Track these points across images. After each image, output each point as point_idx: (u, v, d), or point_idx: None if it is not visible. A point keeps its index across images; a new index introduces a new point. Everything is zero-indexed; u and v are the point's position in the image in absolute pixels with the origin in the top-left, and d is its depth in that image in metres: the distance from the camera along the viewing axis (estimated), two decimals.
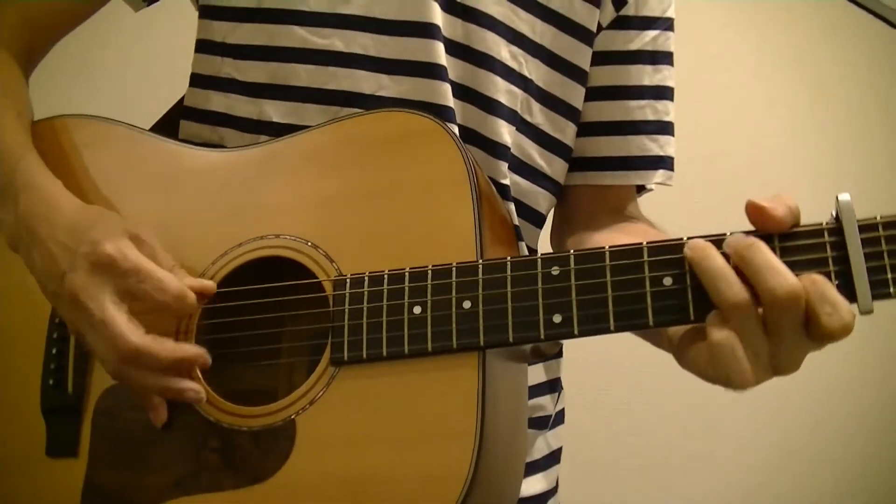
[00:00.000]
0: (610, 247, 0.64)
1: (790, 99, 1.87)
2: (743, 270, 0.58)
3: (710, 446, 1.80)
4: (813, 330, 0.57)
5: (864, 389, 1.80)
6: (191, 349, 0.69)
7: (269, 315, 0.73)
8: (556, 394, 0.92)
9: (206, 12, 0.85)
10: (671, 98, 0.89)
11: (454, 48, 0.80)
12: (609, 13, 0.85)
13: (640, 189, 0.91)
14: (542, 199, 0.87)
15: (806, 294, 0.57)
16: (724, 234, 0.61)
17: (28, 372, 0.76)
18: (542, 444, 0.90)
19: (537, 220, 0.89)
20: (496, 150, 0.82)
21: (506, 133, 0.83)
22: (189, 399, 0.69)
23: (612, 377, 1.77)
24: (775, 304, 0.57)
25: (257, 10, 0.81)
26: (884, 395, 1.80)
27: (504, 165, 0.83)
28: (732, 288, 0.58)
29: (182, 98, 0.91)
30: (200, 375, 0.71)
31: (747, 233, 0.61)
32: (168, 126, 0.90)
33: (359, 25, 0.79)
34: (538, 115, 0.85)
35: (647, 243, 0.63)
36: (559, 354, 0.93)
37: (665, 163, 0.88)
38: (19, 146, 0.79)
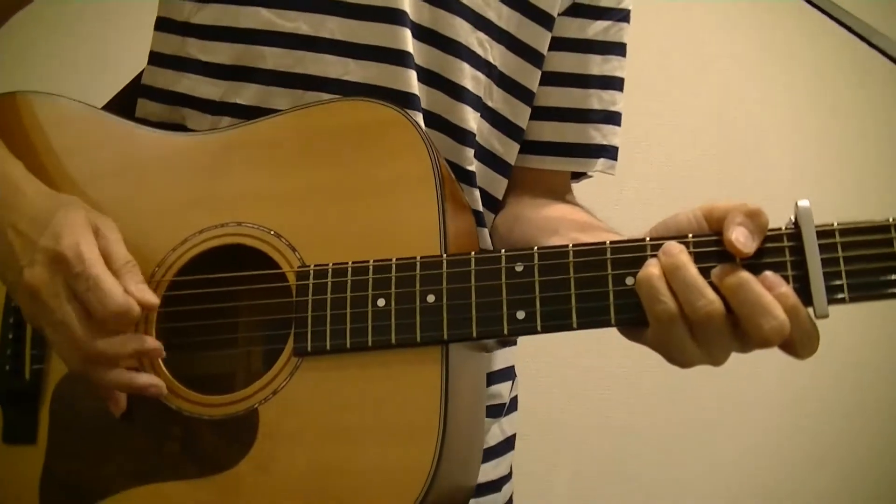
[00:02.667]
0: (573, 245, 0.65)
1: (789, 99, 1.88)
2: (671, 284, 0.60)
3: (710, 446, 1.81)
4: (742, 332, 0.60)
5: (865, 390, 1.83)
6: (149, 342, 0.69)
7: (229, 304, 0.72)
8: (510, 382, 0.93)
9: None
10: (620, 88, 0.89)
11: (422, 33, 0.80)
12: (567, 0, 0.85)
13: (580, 175, 0.92)
14: (498, 184, 0.88)
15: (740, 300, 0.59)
16: (687, 236, 0.62)
17: None
18: (496, 431, 0.91)
19: (493, 205, 0.89)
20: (463, 137, 0.82)
21: (471, 119, 0.82)
22: (151, 394, 0.69)
23: (612, 377, 1.78)
24: (696, 319, 0.60)
25: None
26: (884, 395, 1.83)
27: (470, 152, 0.83)
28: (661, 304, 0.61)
29: (138, 76, 0.89)
30: (163, 366, 0.71)
31: (709, 236, 0.62)
32: (122, 104, 0.88)
33: (326, 9, 0.78)
34: (499, 101, 0.85)
35: (611, 243, 0.64)
36: (514, 342, 0.94)
37: (607, 152, 0.89)
38: None
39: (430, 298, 0.66)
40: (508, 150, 0.87)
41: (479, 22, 0.81)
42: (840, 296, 0.59)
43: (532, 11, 0.84)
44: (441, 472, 0.64)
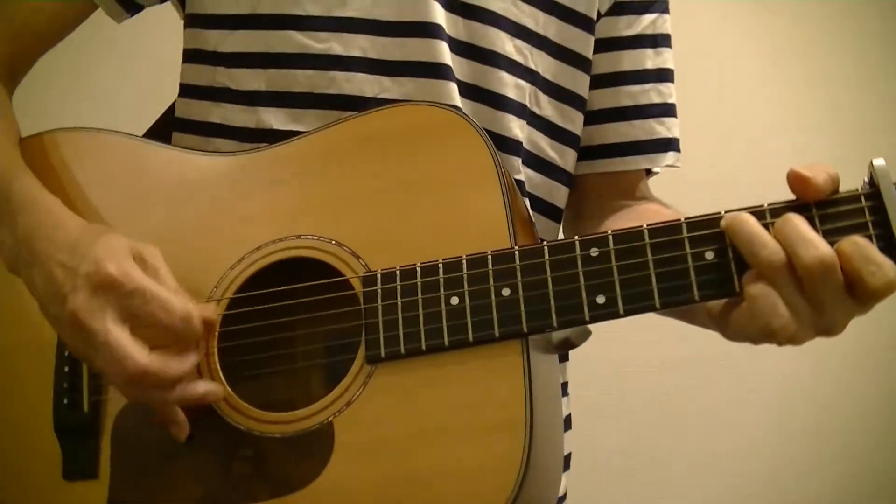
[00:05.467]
0: (648, 225, 0.64)
1: (789, 99, 1.89)
2: (780, 244, 0.59)
3: (710, 446, 1.80)
4: (858, 291, 0.58)
5: (866, 389, 1.82)
6: (198, 359, 0.67)
7: (292, 318, 0.70)
8: (565, 398, 0.91)
9: (194, 21, 0.83)
10: (672, 80, 0.90)
11: (458, 47, 0.80)
12: (607, 0, 0.86)
13: (648, 172, 0.92)
14: (556, 192, 0.87)
15: (849, 256, 0.58)
16: (763, 205, 0.62)
17: (37, 393, 0.72)
18: None
19: (553, 213, 0.88)
20: (508, 145, 0.82)
21: (516, 128, 0.82)
22: (209, 400, 0.67)
23: (612, 377, 1.77)
24: (810, 273, 0.58)
25: (251, 16, 0.79)
26: (885, 394, 1.82)
27: (517, 161, 0.83)
28: (767, 248, 0.59)
29: (170, 108, 0.89)
30: (227, 387, 0.69)
31: (788, 202, 0.62)
32: (158, 137, 0.87)
33: (357, 28, 0.78)
34: (547, 107, 0.85)
35: (686, 219, 0.63)
36: (567, 357, 0.92)
37: (673, 145, 0.89)
38: (12, 165, 0.76)
39: (506, 292, 0.65)
40: (563, 157, 0.87)
41: (516, 30, 0.82)
42: None
43: (570, 15, 0.84)
44: (532, 465, 0.61)
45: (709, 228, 0.63)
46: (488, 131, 0.81)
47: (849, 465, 1.81)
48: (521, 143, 0.83)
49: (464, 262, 0.66)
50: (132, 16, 0.88)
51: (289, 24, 0.78)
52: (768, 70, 1.88)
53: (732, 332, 0.64)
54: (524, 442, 0.62)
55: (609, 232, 0.65)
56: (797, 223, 0.59)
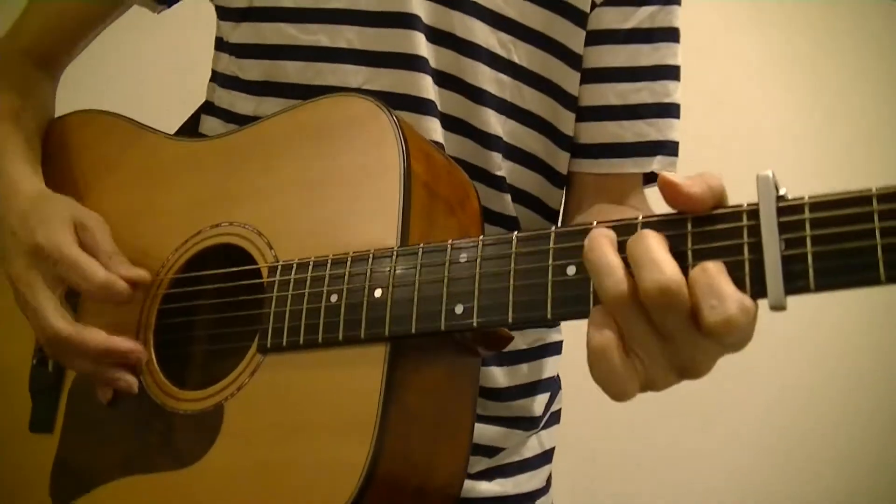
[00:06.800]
0: (517, 233, 0.59)
1: (792, 100, 1.82)
2: (631, 265, 0.51)
3: (709, 446, 1.79)
4: (700, 325, 0.48)
5: (863, 388, 1.76)
6: (123, 343, 0.71)
7: (214, 301, 0.73)
8: (546, 395, 0.86)
9: (217, 12, 0.88)
10: (675, 77, 0.81)
11: (437, 36, 0.77)
12: None
13: (650, 178, 0.83)
14: (538, 186, 0.82)
15: (692, 284, 0.49)
16: (636, 218, 0.54)
17: (22, 351, 0.81)
18: (534, 444, 0.86)
19: (541, 209, 0.84)
20: (488, 140, 0.79)
21: (496, 123, 0.79)
22: (120, 388, 0.71)
23: None
24: (649, 300, 0.49)
25: (250, 9, 0.82)
26: (883, 393, 1.76)
27: (497, 156, 0.79)
28: (611, 276, 0.50)
29: None
30: (154, 362, 0.73)
31: (664, 215, 0.54)
32: (195, 118, 0.94)
33: (343, 19, 0.78)
34: (532, 101, 0.80)
35: (556, 229, 0.57)
36: (557, 352, 0.87)
37: (665, 148, 0.80)
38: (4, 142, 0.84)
39: (378, 293, 0.63)
40: (550, 152, 0.82)
41: (499, 22, 0.78)
42: (803, 283, 0.48)
43: (558, 6, 0.79)
44: (380, 470, 0.59)
45: (577, 240, 0.56)
46: (466, 123, 0.78)
47: (848, 467, 1.76)
48: (500, 138, 0.79)
49: (349, 259, 0.65)
50: (169, 7, 0.94)
51: (279, 16, 0.80)
52: (768, 71, 1.80)
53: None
54: (370, 447, 0.60)
55: (481, 238, 0.60)
56: (649, 242, 0.50)
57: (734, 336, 0.48)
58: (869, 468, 1.77)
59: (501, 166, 0.80)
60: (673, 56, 0.81)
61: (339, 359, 0.64)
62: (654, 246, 0.50)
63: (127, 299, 0.72)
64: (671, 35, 0.81)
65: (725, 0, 1.83)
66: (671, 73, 0.81)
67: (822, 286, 0.48)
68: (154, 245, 0.77)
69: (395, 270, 0.62)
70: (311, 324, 0.65)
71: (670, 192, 0.52)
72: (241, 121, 0.83)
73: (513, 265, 0.58)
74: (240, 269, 0.71)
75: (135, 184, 0.82)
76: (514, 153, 0.81)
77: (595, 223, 0.55)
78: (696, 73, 1.68)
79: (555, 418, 0.88)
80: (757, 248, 0.50)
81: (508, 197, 0.81)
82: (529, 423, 0.85)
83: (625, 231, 0.53)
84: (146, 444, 0.72)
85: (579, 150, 0.83)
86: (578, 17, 0.79)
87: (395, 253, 0.63)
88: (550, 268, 0.56)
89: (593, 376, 0.52)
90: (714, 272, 0.48)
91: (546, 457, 0.87)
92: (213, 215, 0.75)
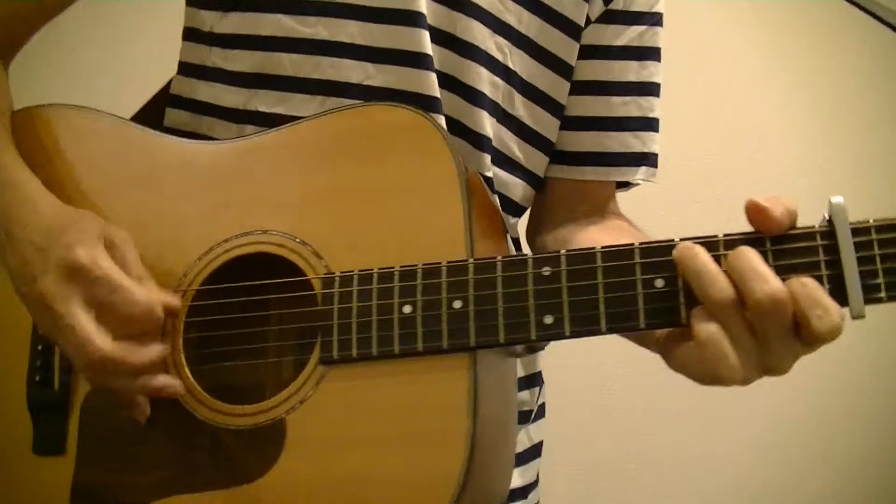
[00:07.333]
0: (602, 247, 0.64)
1: (790, 101, 1.87)
2: (730, 276, 0.58)
3: (709, 446, 1.81)
4: (803, 332, 0.57)
5: (863, 389, 1.81)
6: (162, 351, 0.69)
7: (256, 313, 0.72)
8: (537, 388, 0.92)
9: (193, 1, 0.84)
10: (657, 94, 0.88)
11: (439, 37, 0.79)
12: (598, 7, 0.84)
13: (623, 185, 0.91)
14: (519, 191, 0.87)
15: (796, 297, 0.57)
16: (716, 236, 0.61)
17: (13, 369, 0.75)
18: (523, 438, 0.90)
19: (516, 210, 0.88)
20: (480, 142, 0.82)
21: (488, 125, 0.82)
22: (168, 394, 0.69)
23: (611, 377, 1.78)
24: (759, 309, 0.57)
25: None
26: (882, 394, 1.81)
27: (487, 158, 0.83)
28: (715, 285, 0.58)
29: (167, 84, 0.89)
30: (189, 375, 0.71)
31: (743, 234, 0.61)
32: (152, 112, 0.88)
33: (344, 13, 0.78)
34: (520, 108, 0.84)
35: (639, 244, 0.63)
36: (542, 348, 0.93)
37: (648, 159, 0.88)
38: None
39: (457, 304, 0.65)
40: (531, 160, 0.87)
41: (498, 26, 0.81)
42: (878, 295, 0.58)
43: (554, 18, 0.83)
44: (471, 479, 0.63)
45: (661, 256, 0.62)
46: (462, 125, 0.81)
47: (848, 467, 1.81)
48: (490, 139, 0.82)
49: (419, 271, 0.67)
50: None
51: (277, 7, 0.78)
52: (769, 71, 1.85)
53: (676, 366, 0.63)
54: (464, 456, 0.62)
55: (562, 252, 0.64)
56: (751, 256, 0.58)
57: (832, 341, 0.57)
58: (872, 470, 1.81)
59: (490, 168, 0.83)
60: (658, 74, 0.88)
61: (414, 369, 0.66)
62: (757, 259, 0.58)
63: (159, 325, 0.69)
64: (656, 54, 0.87)
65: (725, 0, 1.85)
66: (655, 89, 0.88)
67: (892, 297, 0.58)
68: (171, 255, 0.73)
69: (474, 281, 0.65)
70: (385, 335, 0.66)
71: (761, 216, 0.59)
72: (228, 115, 0.81)
73: (600, 278, 0.63)
74: (292, 279, 0.70)
75: (134, 190, 0.77)
76: (497, 156, 0.85)
77: (677, 239, 0.62)
78: (696, 73, 1.77)
79: (542, 412, 0.94)
80: (834, 264, 0.59)
81: (496, 198, 0.85)
82: (524, 417, 0.89)
83: (708, 247, 0.61)
84: (190, 462, 0.70)
85: (564, 157, 0.88)
86: (573, 30, 0.84)
87: (470, 265, 0.66)
88: (639, 280, 0.62)
89: (703, 367, 0.60)
90: (813, 285, 0.57)
91: (536, 451, 0.92)
92: (241, 223, 0.73)
